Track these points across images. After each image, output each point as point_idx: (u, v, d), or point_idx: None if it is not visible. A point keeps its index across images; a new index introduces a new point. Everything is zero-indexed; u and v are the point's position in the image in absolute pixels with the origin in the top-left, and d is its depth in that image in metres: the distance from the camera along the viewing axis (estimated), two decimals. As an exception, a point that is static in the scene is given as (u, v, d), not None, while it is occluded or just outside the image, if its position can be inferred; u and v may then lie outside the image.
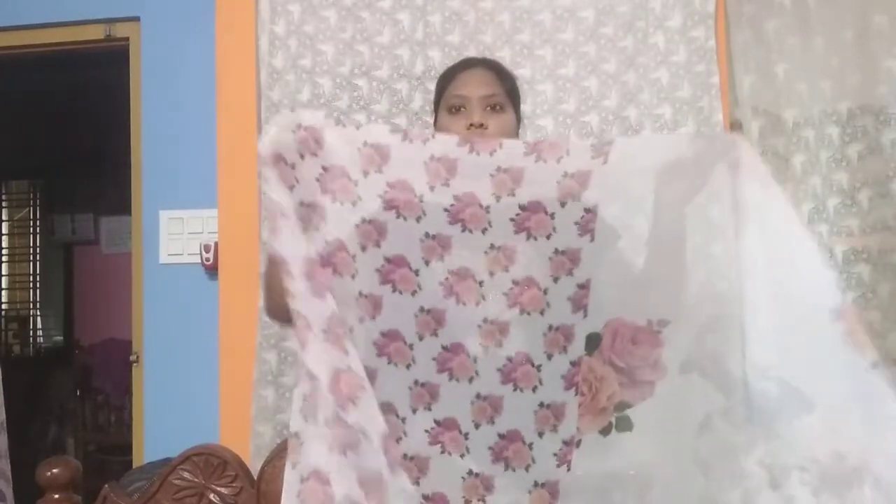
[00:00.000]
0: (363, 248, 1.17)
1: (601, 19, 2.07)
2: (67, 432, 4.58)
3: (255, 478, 1.48)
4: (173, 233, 2.33)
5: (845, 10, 2.04)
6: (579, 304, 1.18)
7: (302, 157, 1.11)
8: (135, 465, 2.31)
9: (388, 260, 1.17)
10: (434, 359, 1.19)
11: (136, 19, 2.41)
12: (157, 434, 2.29)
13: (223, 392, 2.15)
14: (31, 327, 5.28)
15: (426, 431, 1.19)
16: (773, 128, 2.04)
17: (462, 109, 1.40)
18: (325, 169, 1.14)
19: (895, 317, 1.94)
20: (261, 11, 2.19)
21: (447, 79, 1.47)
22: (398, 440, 1.18)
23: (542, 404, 1.19)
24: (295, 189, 1.11)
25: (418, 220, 1.17)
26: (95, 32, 2.45)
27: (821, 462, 1.04)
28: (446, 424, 1.19)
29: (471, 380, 1.19)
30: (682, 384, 1.15)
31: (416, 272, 1.18)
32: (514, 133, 1.44)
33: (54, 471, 1.37)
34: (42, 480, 1.37)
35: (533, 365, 1.19)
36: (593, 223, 1.17)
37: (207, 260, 2.26)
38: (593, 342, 1.19)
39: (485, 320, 1.19)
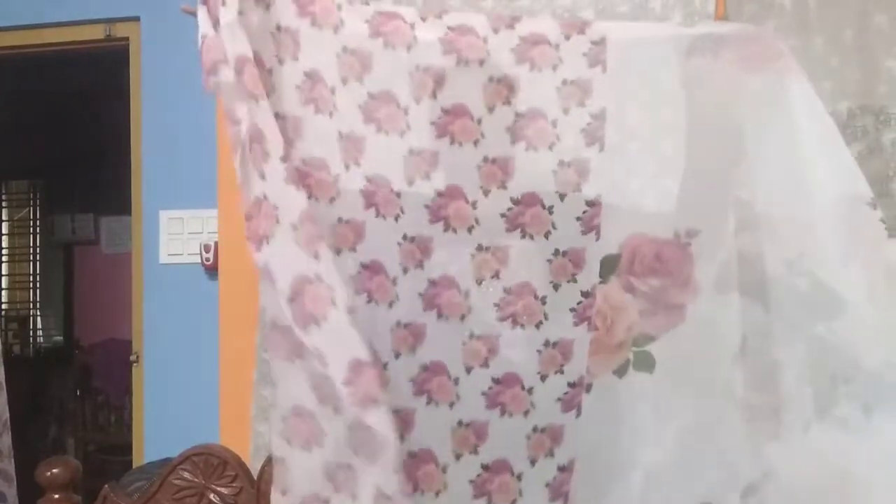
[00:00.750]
0: (347, 167, 1.06)
1: (601, 19, 2.07)
2: (67, 432, 4.58)
3: (255, 478, 1.48)
4: (173, 233, 2.33)
5: (845, 10, 2.04)
6: (590, 224, 1.06)
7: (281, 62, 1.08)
8: (135, 465, 2.31)
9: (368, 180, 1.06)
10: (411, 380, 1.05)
11: (136, 19, 2.41)
12: (157, 434, 2.29)
13: (223, 392, 2.15)
14: (31, 327, 5.28)
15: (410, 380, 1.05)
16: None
17: None
18: (306, 76, 1.07)
19: (895, 317, 1.94)
20: (261, 11, 2.18)
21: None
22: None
23: (546, 342, 1.07)
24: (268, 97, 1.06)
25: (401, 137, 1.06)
26: (95, 32, 2.46)
27: (866, 370, 0.94)
28: (434, 369, 1.05)
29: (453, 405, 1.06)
30: (720, 304, 1.02)
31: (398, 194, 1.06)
32: None
33: (54, 471, 1.37)
34: (42, 480, 1.37)
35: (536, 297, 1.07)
36: (601, 130, 1.07)
37: (207, 260, 2.26)
38: (609, 265, 1.06)
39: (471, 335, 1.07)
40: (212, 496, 1.45)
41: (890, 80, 2.00)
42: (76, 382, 4.56)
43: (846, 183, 1.00)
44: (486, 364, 1.06)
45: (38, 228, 5.28)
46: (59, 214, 5.24)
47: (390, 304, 1.05)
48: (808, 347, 0.97)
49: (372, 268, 1.04)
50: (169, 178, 2.34)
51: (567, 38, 1.07)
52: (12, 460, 1.99)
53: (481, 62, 1.08)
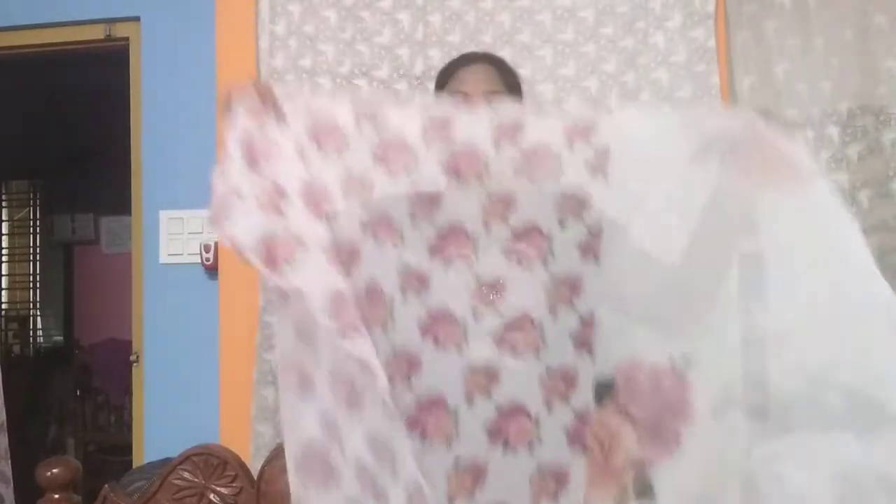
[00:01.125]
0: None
1: (601, 19, 2.07)
2: (67, 432, 4.58)
3: (255, 478, 1.48)
4: (173, 233, 2.33)
5: (845, 10, 2.04)
6: (582, 342, 1.05)
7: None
8: (135, 465, 2.31)
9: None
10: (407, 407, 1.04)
11: (136, 19, 2.41)
12: (157, 434, 2.29)
13: (223, 392, 2.15)
14: (31, 327, 5.28)
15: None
16: (773, 128, 2.04)
17: None
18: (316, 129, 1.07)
19: None
20: (261, 11, 2.19)
21: (447, 74, 1.45)
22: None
23: (540, 469, 1.03)
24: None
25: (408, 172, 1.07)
26: (95, 32, 2.45)
27: None
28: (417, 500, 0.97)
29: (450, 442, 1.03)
30: (722, 428, 0.98)
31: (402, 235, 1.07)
32: None
33: (54, 471, 1.37)
34: (42, 480, 1.37)
35: (529, 417, 1.03)
36: (597, 245, 1.06)
37: (207, 260, 2.26)
38: (604, 390, 1.04)
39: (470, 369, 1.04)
40: (212, 496, 1.45)
41: (890, 80, 2.00)
42: (76, 382, 4.56)
43: (875, 284, 0.95)
44: (472, 497, 1.03)
45: (38, 228, 5.28)
46: (59, 214, 5.24)
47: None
48: (833, 469, 0.91)
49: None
50: (169, 178, 2.34)
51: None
52: (9, 461, 1.99)
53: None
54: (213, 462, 1.46)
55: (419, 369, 1.04)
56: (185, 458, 1.46)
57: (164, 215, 2.33)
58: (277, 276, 0.99)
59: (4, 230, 5.30)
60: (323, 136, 1.08)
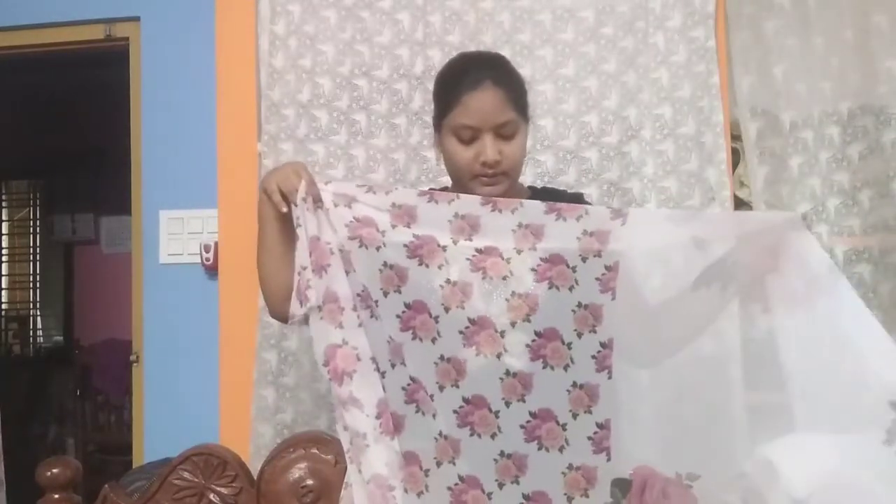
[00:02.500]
0: (385, 294, 1.27)
1: (601, 19, 2.07)
2: (67, 432, 4.58)
3: (255, 478, 1.48)
4: (173, 233, 2.33)
5: (845, 10, 2.04)
6: (601, 445, 1.18)
7: (336, 205, 1.30)
8: (135, 465, 2.31)
9: (407, 306, 1.26)
10: (455, 411, 1.23)
11: (136, 19, 2.41)
12: (157, 434, 2.29)
13: (223, 392, 2.15)
14: (31, 327, 5.28)
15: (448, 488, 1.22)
16: (772, 128, 2.04)
17: (474, 140, 1.33)
18: (356, 219, 1.29)
19: (895, 317, 1.94)
20: (261, 11, 2.18)
21: (452, 97, 1.35)
22: (419, 494, 1.24)
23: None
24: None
25: (440, 267, 1.25)
26: (95, 32, 2.45)
27: None
28: (469, 481, 1.22)
29: (493, 435, 1.21)
30: None
31: (436, 319, 1.25)
32: (526, 148, 1.41)
33: (54, 471, 1.37)
34: (42, 480, 1.37)
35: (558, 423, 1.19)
36: (614, 281, 1.18)
37: (207, 260, 2.26)
38: (622, 487, 1.15)
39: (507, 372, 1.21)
40: (212, 496, 1.45)
41: (890, 80, 2.00)
42: (76, 382, 4.55)
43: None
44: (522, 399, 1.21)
45: (38, 228, 5.28)
46: (59, 214, 5.24)
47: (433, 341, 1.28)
48: None
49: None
50: (169, 178, 2.34)
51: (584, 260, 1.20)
52: (2, 464, 1.99)
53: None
54: (213, 462, 1.46)
55: (459, 454, 1.23)
56: (185, 458, 1.46)
57: (164, 215, 2.33)
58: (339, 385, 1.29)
59: (4, 230, 5.30)
60: (363, 231, 1.29)
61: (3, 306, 5.27)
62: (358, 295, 1.30)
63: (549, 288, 1.20)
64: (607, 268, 1.19)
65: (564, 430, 1.18)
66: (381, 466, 1.26)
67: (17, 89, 3.30)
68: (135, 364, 2.38)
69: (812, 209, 2.00)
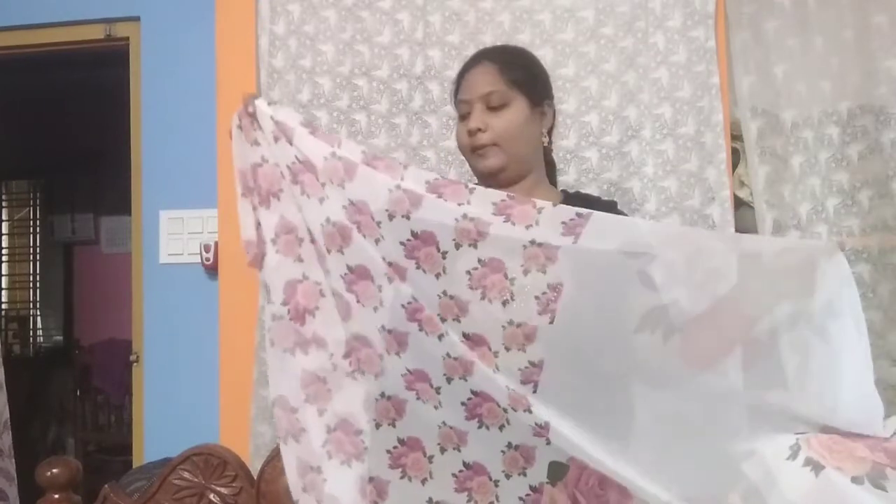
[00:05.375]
0: (328, 251, 1.19)
1: (601, 19, 2.07)
2: (67, 432, 4.58)
3: (255, 478, 1.48)
4: (173, 233, 2.33)
5: (845, 10, 2.04)
6: (540, 433, 1.09)
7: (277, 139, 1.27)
8: (135, 465, 2.31)
9: (350, 270, 1.19)
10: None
11: (136, 19, 2.41)
12: (157, 434, 2.29)
13: (223, 392, 2.15)
14: (31, 327, 5.28)
15: None
16: (773, 128, 2.04)
17: (468, 115, 1.39)
18: (298, 160, 1.21)
19: (895, 317, 1.94)
20: (261, 11, 2.18)
21: (458, 80, 1.46)
22: (423, 481, 1.18)
23: None
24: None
25: (377, 241, 1.16)
26: (95, 32, 2.45)
27: None
28: (411, 443, 1.17)
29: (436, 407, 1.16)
30: None
31: (380, 288, 1.17)
32: (527, 124, 1.39)
33: (54, 471, 1.37)
34: (42, 480, 1.37)
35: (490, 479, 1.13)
36: (555, 303, 1.08)
37: (207, 260, 2.26)
38: (558, 472, 1.10)
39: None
40: (212, 496, 1.45)
41: (890, 80, 2.00)
42: (76, 382, 4.56)
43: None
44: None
45: (38, 228, 5.28)
46: (59, 214, 5.24)
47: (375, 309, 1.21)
48: None
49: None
50: (169, 178, 2.34)
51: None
52: (13, 459, 1.99)
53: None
54: (213, 462, 1.46)
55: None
56: (185, 458, 1.46)
57: (164, 215, 2.33)
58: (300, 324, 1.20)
59: (4, 230, 5.30)
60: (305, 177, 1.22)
61: (3, 306, 5.27)
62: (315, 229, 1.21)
63: (482, 299, 1.10)
64: (550, 287, 1.08)
65: (506, 412, 1.11)
66: (352, 407, 1.19)
67: (17, 89, 3.30)
68: (135, 364, 2.38)
69: (812, 208, 2.00)
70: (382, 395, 1.19)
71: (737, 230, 1.97)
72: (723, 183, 1.97)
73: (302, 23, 2.15)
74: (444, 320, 1.12)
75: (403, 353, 1.15)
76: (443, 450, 1.15)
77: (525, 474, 1.11)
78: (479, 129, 1.36)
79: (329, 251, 1.18)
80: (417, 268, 1.13)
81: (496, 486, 1.13)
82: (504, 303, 1.09)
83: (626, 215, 1.53)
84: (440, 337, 1.12)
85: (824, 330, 1.04)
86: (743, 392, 1.05)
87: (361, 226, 1.16)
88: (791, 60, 2.04)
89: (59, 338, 5.27)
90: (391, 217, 1.14)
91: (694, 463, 1.05)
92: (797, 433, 1.02)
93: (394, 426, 1.18)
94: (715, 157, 1.98)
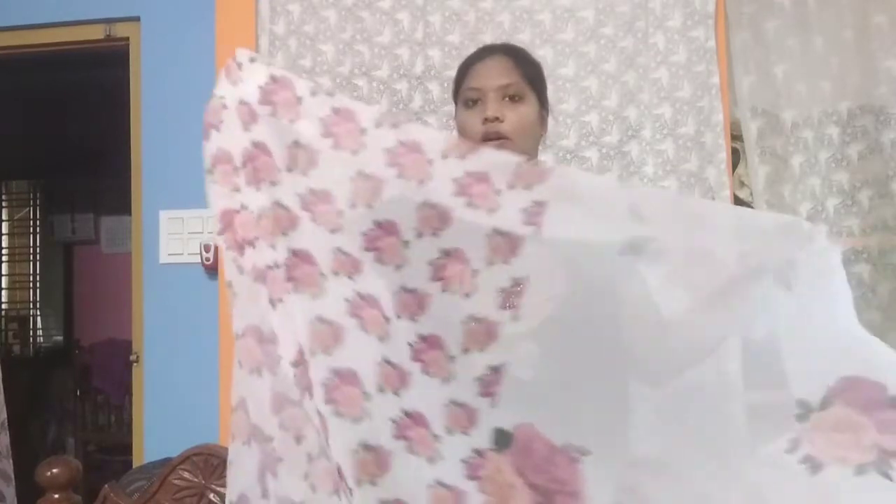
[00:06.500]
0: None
1: (601, 19, 2.07)
2: (67, 432, 4.58)
3: (255, 478, 1.48)
4: (173, 233, 2.33)
5: (845, 10, 2.04)
6: (488, 390, 1.01)
7: None
8: (135, 465, 2.31)
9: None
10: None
11: (136, 19, 2.41)
12: (157, 434, 2.29)
13: (223, 392, 2.15)
14: (31, 327, 5.28)
15: None
16: (773, 128, 2.04)
17: (478, 102, 1.35)
18: (311, 192, 1.11)
19: (895, 316, 1.94)
20: (261, 11, 2.19)
21: (464, 69, 1.41)
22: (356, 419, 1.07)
23: (439, 482, 1.02)
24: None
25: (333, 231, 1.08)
26: (95, 32, 2.45)
27: None
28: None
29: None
30: None
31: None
32: (536, 123, 1.38)
33: (54, 471, 1.37)
34: (42, 480, 1.37)
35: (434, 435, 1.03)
36: (520, 298, 1.00)
37: (207, 260, 2.26)
38: (503, 440, 1.02)
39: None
40: (212, 496, 1.45)
41: (890, 80, 2.00)
42: (76, 382, 4.56)
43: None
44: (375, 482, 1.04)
45: (38, 228, 5.28)
46: (59, 214, 5.24)
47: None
48: None
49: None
50: (169, 178, 2.34)
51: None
52: (10, 460, 1.99)
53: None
54: (213, 462, 1.46)
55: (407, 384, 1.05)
56: (185, 458, 1.46)
57: (164, 215, 2.33)
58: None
59: (4, 230, 5.30)
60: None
61: (3, 306, 5.27)
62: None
63: (444, 291, 1.02)
64: (515, 281, 1.00)
65: (452, 361, 1.04)
66: (297, 328, 1.10)
67: (17, 89, 3.30)
68: (135, 364, 2.38)
69: (812, 208, 2.00)
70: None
71: (737, 230, 1.97)
72: (723, 183, 1.98)
73: (302, 23, 2.16)
74: (398, 316, 1.06)
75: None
76: (381, 389, 1.06)
77: (468, 434, 1.02)
78: (497, 118, 1.33)
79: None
80: (378, 262, 1.07)
81: (437, 441, 1.03)
82: (466, 294, 1.02)
83: None
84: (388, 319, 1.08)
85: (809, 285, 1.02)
86: (742, 388, 1.04)
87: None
88: (791, 60, 2.04)
89: (59, 338, 5.28)
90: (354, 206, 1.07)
91: (694, 462, 1.04)
92: (802, 404, 0.98)
93: (329, 353, 1.09)
94: (715, 157, 1.99)
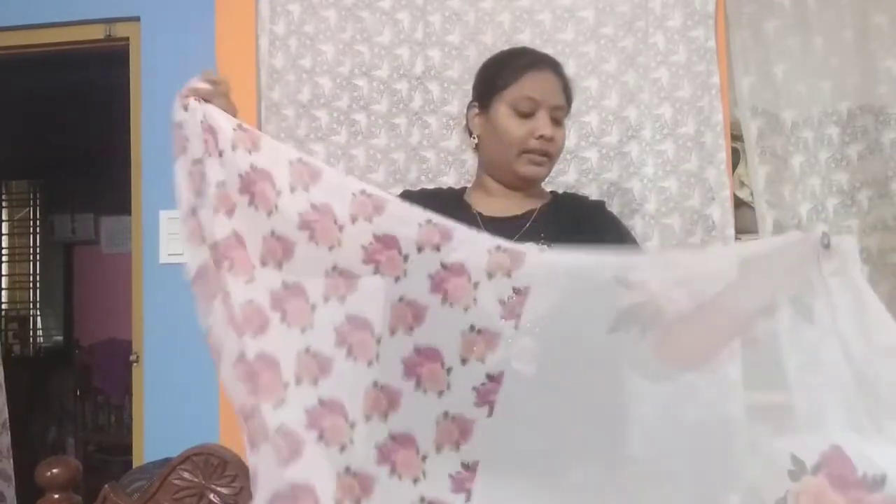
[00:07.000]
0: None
1: (601, 19, 2.07)
2: (67, 432, 4.58)
3: (255, 478, 1.48)
4: (173, 233, 2.33)
5: (845, 10, 2.04)
6: (485, 398, 1.03)
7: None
8: (135, 465, 2.31)
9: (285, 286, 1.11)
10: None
11: (136, 19, 2.41)
12: (157, 434, 2.29)
13: (223, 392, 2.15)
14: (31, 327, 5.29)
15: None
16: (773, 128, 2.04)
17: (531, 115, 1.35)
18: (312, 206, 1.10)
19: (895, 316, 1.94)
20: (261, 11, 2.19)
21: (512, 70, 1.38)
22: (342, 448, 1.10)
23: (422, 499, 1.05)
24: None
25: (330, 248, 1.09)
26: (95, 32, 2.45)
27: None
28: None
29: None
30: None
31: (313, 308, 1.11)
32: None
33: (54, 471, 1.37)
34: (42, 480, 1.37)
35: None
36: (521, 308, 1.02)
37: (207, 260, 2.25)
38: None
39: None
40: (212, 496, 1.45)
41: (890, 80, 2.00)
42: (76, 382, 4.56)
43: None
44: None
45: (38, 228, 5.29)
46: (59, 214, 5.24)
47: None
48: None
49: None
50: (169, 178, 2.32)
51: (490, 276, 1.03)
52: (11, 460, 2.00)
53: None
54: (213, 462, 1.46)
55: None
56: (185, 458, 1.46)
57: (164, 215, 2.33)
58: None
59: (4, 230, 5.30)
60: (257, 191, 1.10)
61: (3, 306, 5.27)
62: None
63: (443, 303, 1.04)
64: (516, 291, 1.02)
65: (424, 462, 1.06)
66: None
67: (17, 89, 3.30)
68: (135, 364, 2.38)
69: (812, 208, 2.00)
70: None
71: (737, 230, 1.97)
72: (723, 183, 1.98)
73: (302, 23, 2.16)
74: (393, 332, 1.09)
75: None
76: (367, 418, 1.09)
77: (458, 448, 1.04)
78: (552, 139, 1.35)
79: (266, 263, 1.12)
80: (375, 273, 1.10)
81: (423, 461, 1.05)
82: (466, 308, 1.04)
83: (613, 215, 1.51)
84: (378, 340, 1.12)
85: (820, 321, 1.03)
86: (742, 394, 1.04)
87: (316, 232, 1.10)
88: (791, 60, 2.04)
89: (59, 338, 5.28)
90: (354, 222, 1.09)
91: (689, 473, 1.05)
92: (797, 462, 1.00)
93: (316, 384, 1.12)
94: (715, 157, 1.98)
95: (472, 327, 1.02)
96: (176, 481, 1.45)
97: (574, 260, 1.02)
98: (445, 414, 1.04)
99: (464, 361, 1.03)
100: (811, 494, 0.96)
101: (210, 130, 1.11)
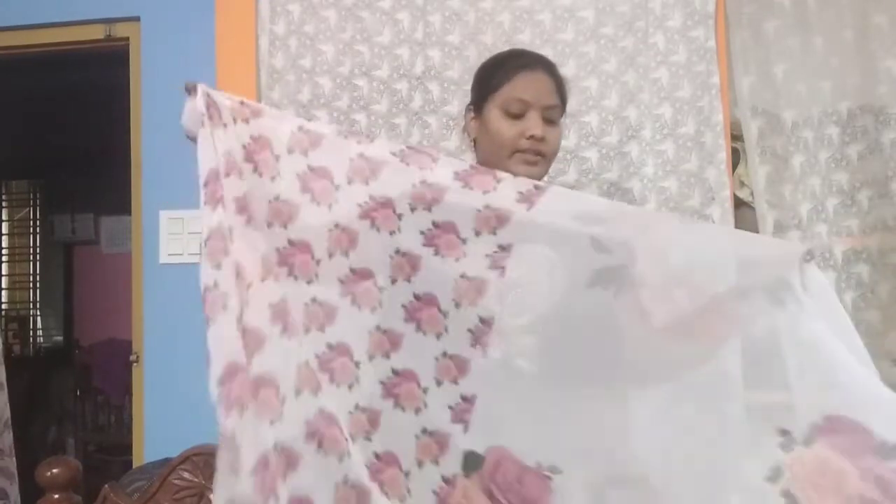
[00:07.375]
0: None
1: (601, 19, 2.07)
2: (67, 432, 4.58)
3: (255, 478, 1.47)
4: (173, 233, 2.33)
5: (845, 10, 2.04)
6: (460, 417, 1.11)
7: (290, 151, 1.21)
8: (135, 465, 2.30)
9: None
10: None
11: (136, 19, 2.41)
12: (157, 434, 2.29)
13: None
14: (31, 327, 5.28)
15: None
16: (773, 128, 2.04)
17: (522, 116, 1.35)
18: (310, 168, 1.19)
19: (895, 317, 1.94)
20: (261, 11, 2.19)
21: (507, 73, 1.39)
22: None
23: None
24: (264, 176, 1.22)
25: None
26: (95, 32, 2.45)
27: None
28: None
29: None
30: None
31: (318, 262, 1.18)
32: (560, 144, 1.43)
33: (54, 471, 1.37)
34: (42, 480, 1.37)
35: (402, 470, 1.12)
36: (505, 260, 1.14)
37: (207, 260, 2.25)
38: (473, 463, 1.09)
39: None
40: (212, 496, 1.45)
41: (890, 80, 2.00)
42: (76, 382, 4.56)
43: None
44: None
45: (38, 228, 5.28)
46: (59, 214, 5.24)
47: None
48: None
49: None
50: (169, 178, 2.34)
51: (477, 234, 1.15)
52: (14, 458, 2.00)
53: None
54: (213, 462, 1.46)
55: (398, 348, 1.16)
56: (185, 458, 1.46)
57: (164, 215, 2.33)
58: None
59: (4, 230, 5.30)
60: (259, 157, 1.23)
61: (3, 306, 5.27)
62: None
63: (435, 255, 1.15)
64: (501, 247, 1.14)
65: (425, 393, 1.13)
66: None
67: (17, 89, 3.30)
68: (135, 364, 2.38)
69: (812, 208, 2.00)
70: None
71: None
72: (723, 183, 1.98)
73: (302, 23, 2.16)
74: (394, 281, 1.17)
75: (330, 327, 1.18)
76: (371, 358, 1.16)
77: (437, 463, 1.10)
78: (543, 139, 1.35)
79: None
80: (371, 227, 1.18)
81: (406, 477, 1.11)
82: (457, 259, 1.15)
83: None
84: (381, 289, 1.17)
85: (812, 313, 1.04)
86: (742, 390, 1.04)
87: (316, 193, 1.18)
88: (791, 60, 2.04)
89: (59, 338, 5.28)
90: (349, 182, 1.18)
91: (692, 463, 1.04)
92: (785, 434, 0.99)
93: (315, 395, 1.17)
94: (715, 157, 1.99)
95: (462, 275, 1.14)
96: (176, 481, 1.45)
97: (557, 220, 1.13)
98: (444, 353, 1.14)
99: (457, 306, 1.14)
100: (810, 468, 0.97)
101: (214, 105, 1.26)
